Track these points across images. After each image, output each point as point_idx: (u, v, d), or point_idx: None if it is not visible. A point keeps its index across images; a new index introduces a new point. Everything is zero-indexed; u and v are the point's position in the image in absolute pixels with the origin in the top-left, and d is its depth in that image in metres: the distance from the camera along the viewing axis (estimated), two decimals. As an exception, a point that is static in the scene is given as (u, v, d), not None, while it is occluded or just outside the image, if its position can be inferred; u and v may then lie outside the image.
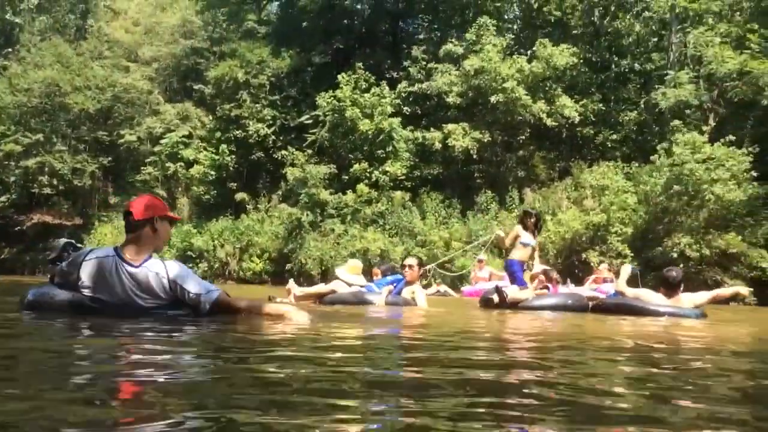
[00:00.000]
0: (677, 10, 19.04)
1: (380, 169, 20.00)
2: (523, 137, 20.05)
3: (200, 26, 25.95)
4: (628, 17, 21.24)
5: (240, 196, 22.77)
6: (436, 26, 25.13)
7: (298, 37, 24.86)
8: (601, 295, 8.45)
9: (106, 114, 26.04)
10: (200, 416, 1.33)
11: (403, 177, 20.08)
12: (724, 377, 2.30)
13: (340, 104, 20.52)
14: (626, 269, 7.40)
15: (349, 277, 7.99)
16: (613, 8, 21.58)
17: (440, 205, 19.56)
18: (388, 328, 4.11)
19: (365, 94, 20.68)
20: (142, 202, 3.56)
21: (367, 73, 21.25)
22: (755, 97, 16.48)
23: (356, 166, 20.14)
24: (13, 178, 25.48)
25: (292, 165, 21.05)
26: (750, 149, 15.13)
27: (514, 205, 18.64)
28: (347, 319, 4.55)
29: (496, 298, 7.21)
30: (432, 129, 20.41)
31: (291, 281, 7.98)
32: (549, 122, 19.10)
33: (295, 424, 1.27)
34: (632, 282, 7.33)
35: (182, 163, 23.65)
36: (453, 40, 21.64)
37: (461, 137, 19.31)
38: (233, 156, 23.42)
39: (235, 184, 23.22)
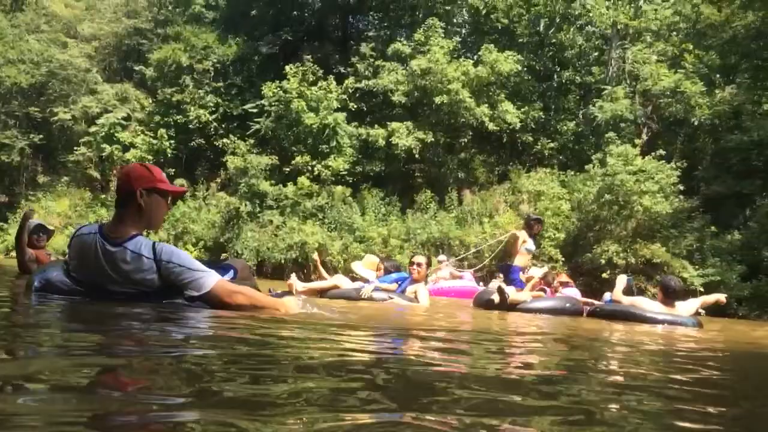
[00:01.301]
0: (618, 27, 19.73)
1: (323, 163, 19.93)
2: (465, 140, 20.35)
3: (145, 6, 25.27)
4: (572, 30, 21.85)
5: (178, 182, 22.21)
6: (385, 24, 25.22)
7: (246, 25, 24.51)
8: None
9: (39, 90, 24.99)
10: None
11: (345, 172, 20.07)
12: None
13: (286, 96, 20.33)
14: (622, 279, 7.60)
15: (363, 271, 8.11)
16: (558, 20, 22.16)
17: (380, 202, 19.66)
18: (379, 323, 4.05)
19: (312, 87, 20.57)
20: (127, 172, 3.16)
21: (315, 66, 21.14)
22: (686, 115, 17.27)
23: (298, 159, 20.01)
24: (-66, 151, 24.20)
25: (233, 154, 20.74)
26: (678, 164, 15.81)
27: (452, 206, 18.91)
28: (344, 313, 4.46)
29: (496, 298, 7.16)
30: (376, 126, 20.48)
31: (293, 276, 7.90)
32: (491, 126, 19.44)
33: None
34: (626, 293, 7.56)
35: (118, 146, 22.92)
36: (401, 39, 21.81)
37: (405, 136, 19.45)
38: (172, 141, 22.88)
39: (173, 170, 22.67)
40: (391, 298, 6.61)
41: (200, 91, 22.87)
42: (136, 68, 24.39)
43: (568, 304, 7.40)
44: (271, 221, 19.24)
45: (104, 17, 25.08)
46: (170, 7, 25.92)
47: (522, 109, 20.11)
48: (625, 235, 15.38)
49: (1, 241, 22.54)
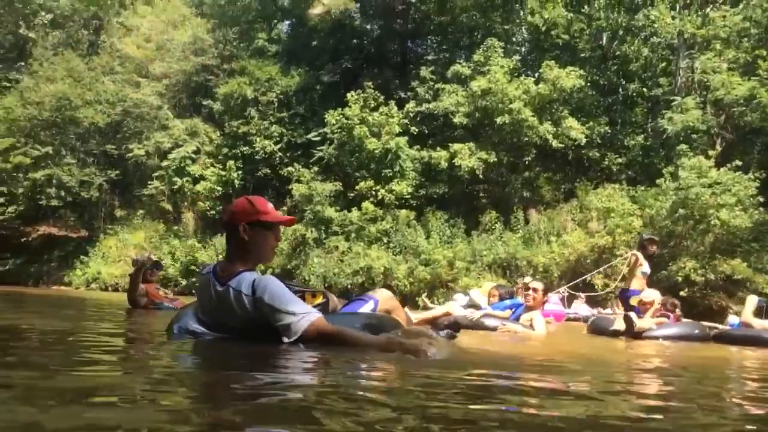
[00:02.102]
0: (685, 36, 19.12)
1: (386, 188, 20.02)
2: (529, 158, 20.06)
3: (211, 44, 26.20)
4: (636, 42, 21.35)
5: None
6: (444, 47, 25.29)
7: (308, 55, 25.08)
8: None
9: (115, 128, 26.22)
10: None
11: (408, 196, 20.10)
12: None
13: (348, 122, 20.62)
14: (752, 300, 7.05)
15: (478, 297, 8.11)
16: (621, 33, 21.69)
17: (445, 224, 19.54)
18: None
19: (373, 113, 20.78)
20: (230, 207, 3.06)
21: (375, 92, 21.38)
22: (762, 124, 16.48)
23: (362, 184, 20.17)
24: (21, 190, 25.61)
25: (298, 181, 21.11)
26: (756, 175, 15.10)
27: (518, 226, 18.61)
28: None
29: (620, 325, 6.69)
30: (438, 148, 20.46)
31: (424, 296, 7.93)
32: (555, 144, 19.11)
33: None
34: (757, 314, 7.01)
35: (189, 178, 23.74)
36: (461, 61, 21.80)
37: (467, 157, 19.34)
38: (240, 172, 23.51)
39: (241, 200, 23.25)
40: (504, 325, 6.17)
41: (265, 122, 23.47)
42: (205, 103, 25.27)
43: (696, 330, 6.89)
44: (336, 247, 19.41)
45: (173, 56, 26.16)
46: (235, 43, 26.81)
47: (587, 125, 19.69)
48: (702, 251, 14.74)
49: (83, 273, 23.58)
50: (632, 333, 6.45)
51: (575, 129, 19.15)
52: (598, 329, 7.13)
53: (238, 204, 3.04)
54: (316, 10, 24.25)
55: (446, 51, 24.91)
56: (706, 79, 18.19)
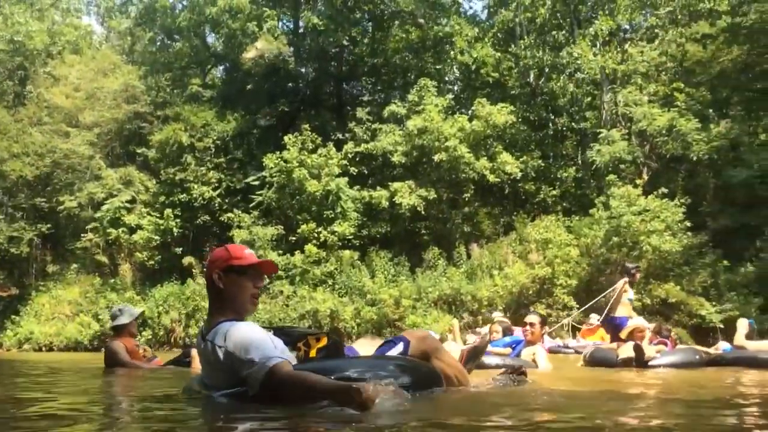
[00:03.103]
0: (607, 72, 20.10)
1: (328, 229, 20.02)
2: (468, 194, 20.48)
3: (143, 91, 25.81)
4: (561, 78, 22.27)
5: (186, 260, 22.31)
6: (379, 88, 25.77)
7: (243, 100, 25.04)
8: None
9: (45, 180, 25.34)
10: None
11: (351, 236, 20.14)
12: None
13: (287, 165, 20.61)
14: (743, 323, 7.06)
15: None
16: (547, 70, 22.60)
17: (389, 263, 19.63)
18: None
19: (312, 155, 20.86)
20: (208, 258, 2.93)
21: (313, 134, 21.49)
22: (684, 152, 17.38)
23: (304, 227, 20.11)
24: (-56, 249, 24.39)
25: (239, 227, 20.87)
26: (682, 201, 15.85)
27: (461, 261, 18.87)
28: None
29: (624, 354, 6.53)
30: (378, 188, 20.68)
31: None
32: (492, 179, 19.60)
33: None
34: (747, 337, 7.00)
35: (125, 229, 23.08)
36: (396, 101, 22.22)
37: (407, 195, 19.60)
38: (178, 220, 23.02)
39: (181, 249, 22.77)
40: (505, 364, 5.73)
41: (202, 168, 23.18)
42: (139, 151, 24.79)
43: (697, 357, 6.82)
44: (281, 291, 19.20)
45: (104, 105, 25.60)
46: (168, 90, 26.54)
47: (521, 159, 20.30)
48: (638, 277, 15.24)
49: (14, 334, 22.44)
50: (642, 362, 6.35)
51: (510, 163, 19.70)
52: (598, 361, 6.86)
53: (214, 253, 2.94)
54: (250, 54, 24.32)
55: (381, 92, 25.39)
56: (629, 112, 19.12)
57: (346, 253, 19.74)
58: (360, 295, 18.52)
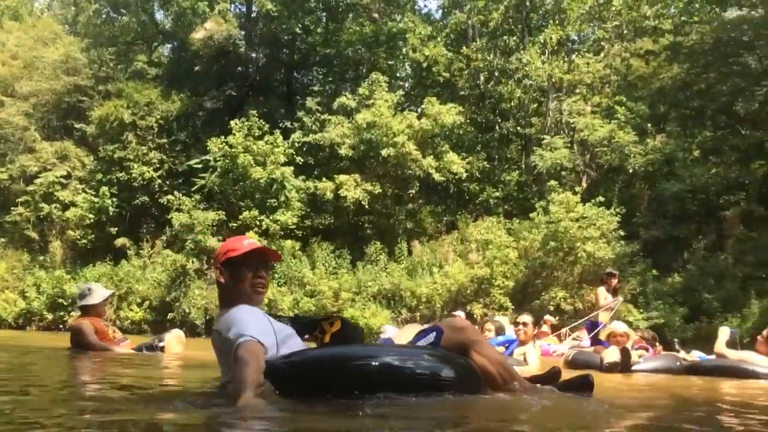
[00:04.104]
0: (553, 80, 20.59)
1: (271, 218, 19.82)
2: (413, 191, 20.64)
3: (85, 64, 24.85)
4: (510, 83, 22.66)
5: (120, 241, 21.69)
6: (330, 79, 25.62)
7: (190, 80, 24.47)
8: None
9: (-26, 150, 24.18)
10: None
11: (293, 226, 20.00)
12: None
13: (232, 150, 20.28)
14: (725, 331, 6.95)
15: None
16: (496, 74, 22.99)
17: (330, 255, 19.61)
18: None
19: (258, 142, 20.59)
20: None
21: (260, 120, 21.22)
22: (622, 163, 18.01)
23: (246, 214, 19.85)
24: None
25: (179, 210, 20.40)
26: (617, 210, 16.42)
27: (402, 257, 19.01)
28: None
29: (610, 357, 6.50)
30: (324, 179, 20.60)
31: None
32: (437, 177, 19.81)
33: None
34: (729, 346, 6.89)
35: (58, 205, 22.24)
36: (346, 93, 22.16)
37: (353, 188, 19.60)
38: (115, 199, 22.36)
39: (116, 229, 22.13)
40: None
41: (143, 147, 22.56)
42: (77, 126, 23.93)
43: (677, 363, 6.90)
44: (219, 278, 18.89)
45: (43, 75, 24.55)
46: (111, 64, 25.67)
47: (467, 160, 20.58)
48: (571, 281, 15.77)
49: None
50: (628, 367, 6.36)
51: (456, 163, 19.95)
52: (581, 364, 6.80)
53: (223, 245, 2.94)
54: (199, 35, 23.76)
55: (332, 83, 25.25)
56: (572, 121, 19.67)
57: (288, 242, 19.60)
58: (299, 286, 18.46)
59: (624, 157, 17.84)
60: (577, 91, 20.60)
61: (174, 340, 6.39)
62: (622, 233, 16.15)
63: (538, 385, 2.96)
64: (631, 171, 17.93)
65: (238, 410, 2.14)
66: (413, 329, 2.83)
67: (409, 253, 19.19)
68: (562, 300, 15.29)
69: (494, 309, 15.87)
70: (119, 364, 5.07)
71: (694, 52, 18.53)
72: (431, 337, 2.68)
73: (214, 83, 24.42)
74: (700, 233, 16.21)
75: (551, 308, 15.14)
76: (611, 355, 6.58)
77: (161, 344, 6.19)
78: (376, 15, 25.04)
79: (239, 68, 25.70)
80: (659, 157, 17.52)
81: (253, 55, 25.86)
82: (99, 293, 6.17)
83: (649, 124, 18.94)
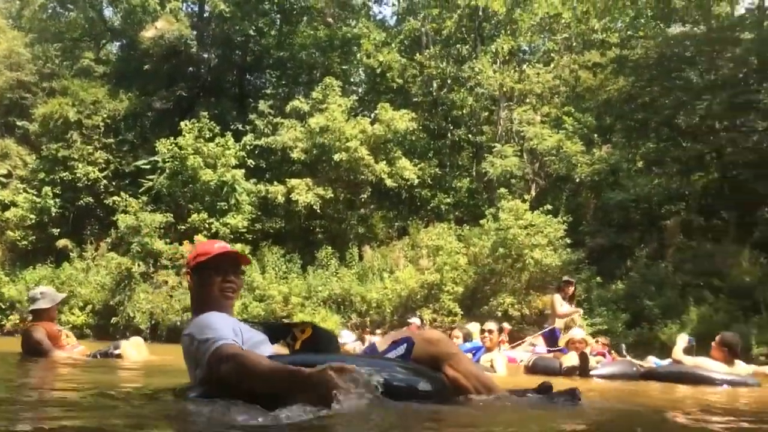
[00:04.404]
0: (504, 89, 20.94)
1: (221, 221, 19.55)
2: (365, 196, 20.66)
3: (29, 59, 24.09)
4: (462, 91, 22.92)
5: (63, 242, 21.04)
6: (283, 82, 25.47)
7: (139, 80, 23.97)
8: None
9: None
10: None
11: (243, 230, 19.76)
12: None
13: (182, 152, 19.93)
14: (683, 338, 7.08)
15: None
16: (449, 81, 23.23)
17: (281, 259, 19.45)
18: None
19: (209, 144, 20.30)
20: None
21: (211, 122, 20.92)
22: (569, 173, 18.43)
23: (195, 217, 19.52)
24: None
25: (125, 212, 19.93)
26: (564, 218, 16.77)
27: (353, 262, 18.99)
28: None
29: (568, 362, 6.56)
30: (275, 183, 20.43)
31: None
32: (389, 183, 19.88)
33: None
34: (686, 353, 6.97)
35: (-4, 204, 21.47)
36: (300, 97, 22.07)
37: (304, 192, 19.51)
38: (58, 199, 21.69)
39: (58, 230, 21.45)
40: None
41: (89, 147, 21.97)
42: (19, 123, 23.17)
43: (634, 369, 6.96)
44: (166, 282, 18.54)
45: (-17, 69, 23.74)
46: (57, 61, 24.95)
47: (419, 166, 20.73)
48: (519, 288, 16.01)
49: None
50: (587, 372, 6.45)
51: (408, 169, 20.06)
52: (540, 369, 6.83)
53: (191, 252, 2.84)
54: (149, 33, 23.32)
55: (285, 86, 25.11)
56: (522, 130, 20.03)
57: (238, 246, 19.26)
58: (248, 290, 18.22)
59: (571, 167, 18.26)
60: (527, 100, 20.99)
61: (132, 347, 6.19)
62: (568, 241, 16.49)
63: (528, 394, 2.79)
64: (578, 180, 18.36)
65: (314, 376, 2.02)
66: (394, 338, 2.64)
67: (360, 258, 19.19)
68: (510, 306, 15.51)
69: (443, 315, 16.00)
70: (77, 369, 4.89)
71: (639, 66, 19.10)
72: (401, 349, 2.51)
73: (164, 83, 23.97)
74: (642, 242, 16.68)
75: (499, 314, 15.33)
76: (570, 360, 6.68)
77: (117, 351, 5.98)
78: (330, 19, 25.02)
79: (190, 68, 25.30)
80: (605, 167, 17.99)
81: (205, 55, 25.50)
82: (50, 297, 5.94)
83: (596, 135, 19.42)
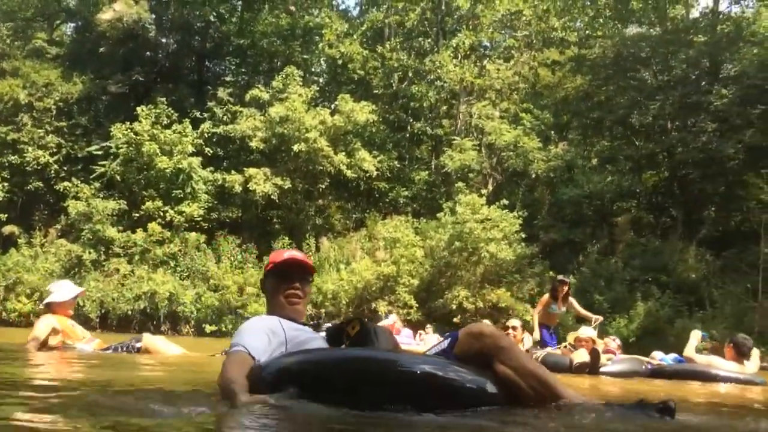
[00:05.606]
0: (464, 84, 21.08)
1: (176, 209, 19.22)
2: (323, 186, 20.57)
3: (-22, 38, 23.32)
4: (423, 84, 22.99)
5: (9, 228, 20.43)
6: (243, 70, 25.14)
7: (94, 63, 23.35)
8: None
9: None
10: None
11: (199, 218, 19.47)
12: None
13: (137, 138, 19.51)
14: (696, 335, 6.98)
15: None
16: (410, 74, 23.26)
17: (237, 249, 19.25)
18: None
19: (166, 131, 19.92)
20: None
21: (169, 108, 20.53)
22: (526, 168, 18.69)
23: (149, 204, 19.16)
24: None
25: (76, 198, 19.44)
26: (520, 213, 17.00)
27: (310, 253, 18.91)
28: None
29: (579, 359, 6.43)
30: (233, 172, 20.18)
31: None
32: (348, 174, 19.84)
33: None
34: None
35: (-60, 188, 20.71)
36: (260, 85, 21.80)
37: (262, 182, 19.32)
38: (6, 184, 21.03)
39: (5, 216, 20.80)
40: None
41: (40, 130, 21.34)
42: (-35, 104, 22.35)
43: (642, 366, 6.88)
44: (117, 270, 18.16)
45: (-72, 47, 22.84)
46: (8, 41, 24.14)
47: (378, 158, 20.72)
48: (474, 281, 16.18)
49: None
50: (597, 369, 6.32)
51: (367, 161, 20.05)
52: (550, 366, 6.08)
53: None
54: (106, 15, 22.73)
55: (245, 74, 24.79)
56: (481, 124, 20.21)
57: (193, 235, 19.08)
58: (203, 280, 18.03)
59: (528, 162, 18.52)
60: (487, 95, 21.17)
61: (159, 340, 5.95)
62: (523, 235, 16.73)
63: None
64: (534, 176, 18.64)
65: (238, 411, 2.03)
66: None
67: (317, 249, 19.13)
68: (464, 299, 15.66)
69: (399, 307, 16.07)
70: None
71: (596, 65, 19.46)
72: (444, 344, 2.31)
73: (120, 67, 23.38)
74: (594, 237, 17.06)
75: (454, 307, 15.50)
76: (580, 356, 6.56)
77: (138, 345, 5.74)
78: (292, 8, 24.77)
79: (148, 53, 24.76)
80: (560, 163, 18.31)
81: (164, 40, 25.01)
82: (65, 291, 5.71)
83: (553, 132, 19.75)
